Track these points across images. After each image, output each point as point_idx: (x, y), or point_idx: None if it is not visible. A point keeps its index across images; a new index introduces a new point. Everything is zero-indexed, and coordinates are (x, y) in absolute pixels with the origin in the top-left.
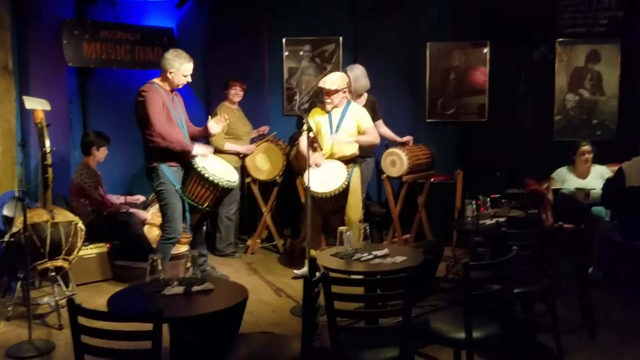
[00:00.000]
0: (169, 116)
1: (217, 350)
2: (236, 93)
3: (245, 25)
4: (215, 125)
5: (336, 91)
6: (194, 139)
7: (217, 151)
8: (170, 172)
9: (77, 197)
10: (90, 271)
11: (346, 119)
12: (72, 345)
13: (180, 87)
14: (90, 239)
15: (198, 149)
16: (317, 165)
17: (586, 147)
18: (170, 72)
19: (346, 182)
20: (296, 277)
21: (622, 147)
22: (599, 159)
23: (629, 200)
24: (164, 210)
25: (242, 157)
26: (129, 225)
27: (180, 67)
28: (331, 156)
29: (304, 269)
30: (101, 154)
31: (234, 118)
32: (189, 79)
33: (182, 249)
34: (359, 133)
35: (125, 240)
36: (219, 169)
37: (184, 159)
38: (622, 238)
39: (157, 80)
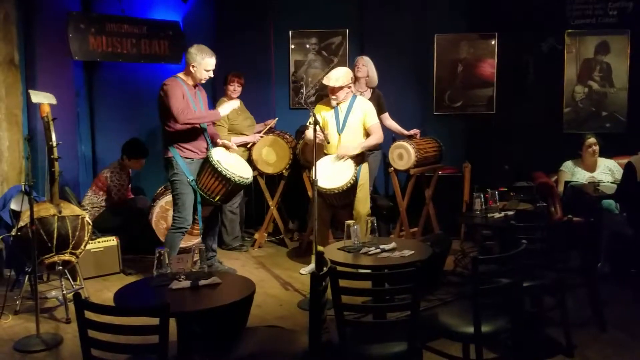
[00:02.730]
0: (189, 108)
1: (224, 344)
2: (234, 89)
3: (252, 18)
4: (227, 105)
5: (340, 88)
6: (212, 138)
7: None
8: (184, 164)
9: (97, 188)
10: (98, 264)
11: (352, 113)
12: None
13: (203, 81)
14: (98, 232)
15: (224, 109)
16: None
17: (592, 140)
18: (193, 66)
19: (354, 178)
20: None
21: (632, 139)
22: (608, 151)
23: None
24: (175, 200)
25: (249, 148)
26: (137, 218)
27: (202, 61)
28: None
29: (311, 266)
30: (132, 164)
31: (233, 113)
32: (211, 74)
33: (194, 241)
34: (364, 129)
35: (134, 233)
36: (233, 164)
37: (201, 148)
38: (632, 232)
39: (180, 74)
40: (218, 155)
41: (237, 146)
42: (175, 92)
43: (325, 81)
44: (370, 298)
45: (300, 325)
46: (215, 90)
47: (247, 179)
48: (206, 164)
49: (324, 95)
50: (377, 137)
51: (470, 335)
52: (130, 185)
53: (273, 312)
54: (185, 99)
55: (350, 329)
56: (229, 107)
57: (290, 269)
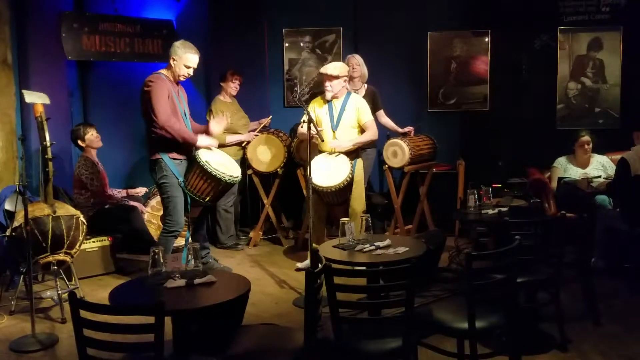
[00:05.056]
0: (174, 108)
1: (220, 342)
2: (235, 87)
3: (245, 16)
4: (216, 126)
5: (337, 77)
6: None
7: (220, 145)
8: (173, 165)
9: (78, 189)
10: (93, 264)
11: (346, 110)
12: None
13: (182, 79)
14: (92, 232)
15: (202, 140)
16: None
17: (586, 138)
18: (174, 60)
19: (350, 175)
20: (299, 270)
21: (625, 135)
22: (601, 147)
23: (634, 189)
24: (165, 203)
25: (244, 146)
26: (131, 218)
27: (184, 55)
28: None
29: (307, 262)
30: (91, 138)
31: (229, 112)
32: (191, 72)
33: (182, 241)
34: (358, 126)
35: (128, 233)
36: (222, 163)
37: (188, 150)
38: (627, 226)
39: (163, 70)
40: (206, 156)
41: (232, 145)
42: (161, 92)
43: (322, 70)
44: (365, 295)
45: (295, 323)
46: (210, 89)
47: (237, 177)
48: (194, 165)
49: (319, 93)
50: (371, 133)
51: (464, 330)
52: (104, 173)
53: (268, 309)
54: (171, 99)
55: (346, 326)
56: (208, 142)
57: (286, 267)
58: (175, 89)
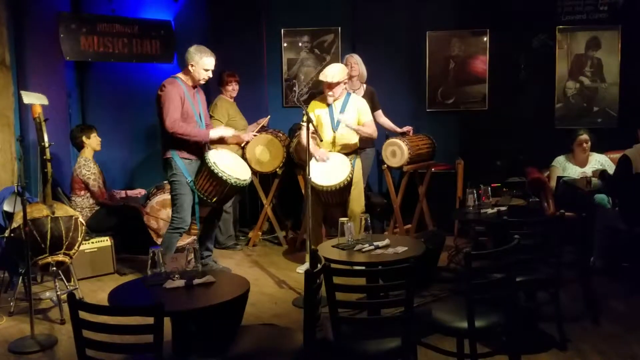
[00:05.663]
0: (187, 110)
1: (219, 342)
2: (233, 89)
3: (243, 16)
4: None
5: (337, 84)
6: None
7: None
8: (183, 164)
9: (78, 190)
10: (93, 265)
11: (347, 111)
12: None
13: (202, 82)
14: (92, 232)
15: (214, 132)
16: (321, 158)
17: (584, 137)
18: (192, 66)
19: (350, 175)
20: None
21: (624, 134)
22: (600, 147)
23: (635, 187)
24: (174, 201)
25: (243, 146)
26: (131, 218)
27: (200, 60)
28: (333, 147)
29: (307, 265)
30: (93, 141)
31: (232, 111)
32: (210, 74)
33: (188, 239)
34: (359, 125)
35: (128, 233)
36: (230, 166)
37: (199, 150)
38: (626, 225)
39: (180, 74)
40: (215, 157)
41: (231, 143)
42: (172, 95)
43: (321, 77)
44: (365, 295)
45: (295, 323)
46: (209, 91)
47: (244, 180)
48: (204, 166)
49: (317, 93)
50: (370, 130)
51: (464, 330)
52: (103, 174)
53: (268, 310)
54: (184, 102)
55: (345, 326)
56: (220, 131)
57: (285, 268)
58: (191, 92)
